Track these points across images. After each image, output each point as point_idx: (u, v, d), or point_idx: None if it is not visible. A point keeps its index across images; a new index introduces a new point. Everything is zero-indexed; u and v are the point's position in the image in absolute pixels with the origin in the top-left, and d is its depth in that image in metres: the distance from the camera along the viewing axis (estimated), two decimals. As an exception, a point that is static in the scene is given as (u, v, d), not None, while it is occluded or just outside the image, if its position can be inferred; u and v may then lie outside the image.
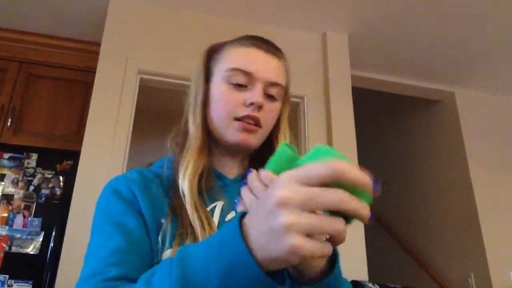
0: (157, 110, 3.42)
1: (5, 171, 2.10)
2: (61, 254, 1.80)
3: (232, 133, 0.66)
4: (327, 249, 0.36)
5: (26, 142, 2.24)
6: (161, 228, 0.59)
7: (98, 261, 0.54)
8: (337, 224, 0.35)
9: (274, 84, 0.67)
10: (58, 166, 2.17)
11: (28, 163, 2.14)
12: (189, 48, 2.30)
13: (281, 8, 2.39)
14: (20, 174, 2.11)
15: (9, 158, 2.13)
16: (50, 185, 2.12)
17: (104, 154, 1.99)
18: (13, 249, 1.96)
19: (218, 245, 0.40)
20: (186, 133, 0.70)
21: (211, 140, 0.70)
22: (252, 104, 0.64)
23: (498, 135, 3.08)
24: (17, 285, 1.92)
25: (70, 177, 2.07)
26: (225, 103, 0.66)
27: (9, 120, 2.25)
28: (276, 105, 0.69)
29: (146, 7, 2.35)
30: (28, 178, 2.11)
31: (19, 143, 2.22)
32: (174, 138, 0.72)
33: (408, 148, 3.51)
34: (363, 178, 0.36)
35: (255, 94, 0.65)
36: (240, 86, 0.66)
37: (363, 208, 0.36)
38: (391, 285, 1.92)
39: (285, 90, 0.73)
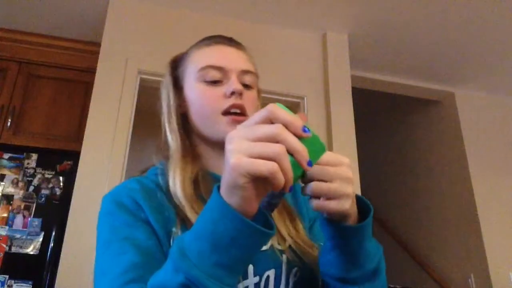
0: (157, 110, 3.42)
1: (5, 171, 2.10)
2: (61, 254, 1.80)
3: (221, 129, 0.64)
4: (268, 166, 0.39)
5: (26, 142, 2.23)
6: (171, 237, 0.58)
7: (114, 281, 0.51)
8: (274, 146, 0.39)
9: (246, 72, 0.68)
10: (58, 166, 2.16)
11: (28, 163, 2.14)
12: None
13: (281, 8, 2.39)
14: (20, 174, 2.11)
15: (9, 158, 2.13)
16: (50, 185, 2.12)
17: (104, 154, 1.99)
18: (13, 249, 1.96)
19: (204, 212, 0.45)
20: (167, 143, 0.69)
21: (199, 145, 0.70)
22: (233, 93, 0.64)
23: (498, 135, 3.08)
24: (17, 285, 1.92)
25: (70, 177, 2.07)
26: (206, 100, 0.66)
27: (9, 120, 2.24)
28: (254, 93, 0.70)
29: (146, 7, 2.35)
30: (28, 178, 2.11)
31: (19, 143, 2.22)
32: (159, 151, 0.71)
33: (407, 149, 3.51)
34: (292, 118, 0.41)
35: (233, 83, 0.65)
36: (215, 83, 0.66)
37: (299, 144, 0.40)
38: (391, 285, 1.92)
39: (257, 80, 0.73)
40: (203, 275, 0.41)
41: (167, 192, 0.63)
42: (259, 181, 0.40)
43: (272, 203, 0.48)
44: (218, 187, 0.44)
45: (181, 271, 0.42)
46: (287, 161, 0.40)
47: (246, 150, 0.40)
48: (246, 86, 0.68)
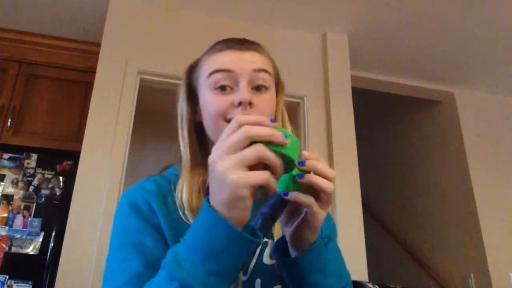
0: (157, 110, 3.42)
1: (5, 172, 2.10)
2: (61, 254, 1.80)
3: None
4: (263, 175, 0.45)
5: (26, 142, 2.23)
6: None
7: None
8: (253, 149, 0.45)
9: (258, 71, 0.64)
10: (58, 166, 2.16)
11: (28, 164, 2.14)
12: (189, 48, 2.29)
13: (281, 8, 2.39)
14: (20, 174, 2.11)
15: (9, 159, 2.13)
16: (50, 185, 2.12)
17: (104, 154, 1.99)
18: (13, 249, 1.96)
19: (196, 224, 0.48)
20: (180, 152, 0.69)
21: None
22: (240, 103, 0.61)
23: (498, 135, 3.08)
24: (17, 285, 1.92)
25: (70, 177, 2.06)
26: (213, 107, 0.63)
27: (9, 120, 2.24)
28: (269, 95, 0.65)
29: (146, 7, 2.35)
30: (28, 178, 2.11)
31: (19, 143, 2.22)
32: (177, 153, 0.71)
33: (408, 148, 3.51)
34: (255, 118, 0.47)
35: (241, 92, 0.61)
36: (225, 89, 0.63)
37: (268, 130, 0.46)
38: (391, 285, 1.92)
39: (276, 78, 0.70)
40: (197, 283, 0.44)
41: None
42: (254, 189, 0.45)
43: (275, 215, 0.52)
44: (208, 200, 0.48)
45: (176, 280, 0.45)
46: (269, 153, 0.45)
47: (235, 164, 0.44)
48: (259, 88, 0.64)
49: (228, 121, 0.62)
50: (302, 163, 0.50)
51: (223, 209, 0.45)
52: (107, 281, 0.57)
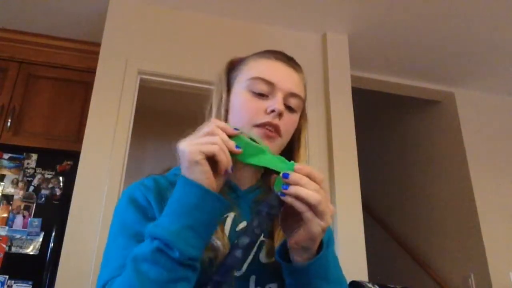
0: (157, 110, 3.42)
1: (5, 172, 2.10)
2: (61, 254, 1.80)
3: None
4: (215, 146, 0.54)
5: (26, 142, 2.23)
6: None
7: (113, 272, 0.56)
8: (212, 137, 0.55)
9: (294, 95, 0.68)
10: (58, 166, 2.16)
11: (28, 164, 2.14)
12: (189, 48, 2.30)
13: (281, 8, 2.39)
14: (20, 174, 2.11)
15: (9, 159, 2.13)
16: (50, 185, 2.12)
17: (104, 154, 1.99)
18: (13, 249, 1.96)
19: (171, 195, 0.55)
20: None
21: None
22: (273, 111, 0.65)
23: (498, 135, 3.08)
24: (17, 285, 1.92)
25: (70, 177, 2.06)
26: (245, 110, 0.67)
27: (9, 120, 2.24)
28: (295, 117, 0.70)
29: (146, 7, 2.35)
30: (28, 178, 2.11)
31: (19, 144, 2.22)
32: None
33: (407, 149, 3.51)
34: (224, 124, 0.57)
35: (276, 102, 0.65)
36: (261, 95, 0.67)
37: (226, 137, 0.56)
38: (391, 285, 1.92)
39: (303, 104, 0.73)
40: (173, 236, 0.50)
41: None
42: (210, 161, 0.53)
43: (271, 214, 0.55)
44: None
45: (156, 238, 0.51)
46: (224, 146, 0.54)
47: (192, 142, 0.54)
48: (290, 109, 0.68)
49: (256, 125, 0.66)
50: (285, 174, 0.54)
51: (186, 174, 0.54)
52: (103, 269, 0.59)
